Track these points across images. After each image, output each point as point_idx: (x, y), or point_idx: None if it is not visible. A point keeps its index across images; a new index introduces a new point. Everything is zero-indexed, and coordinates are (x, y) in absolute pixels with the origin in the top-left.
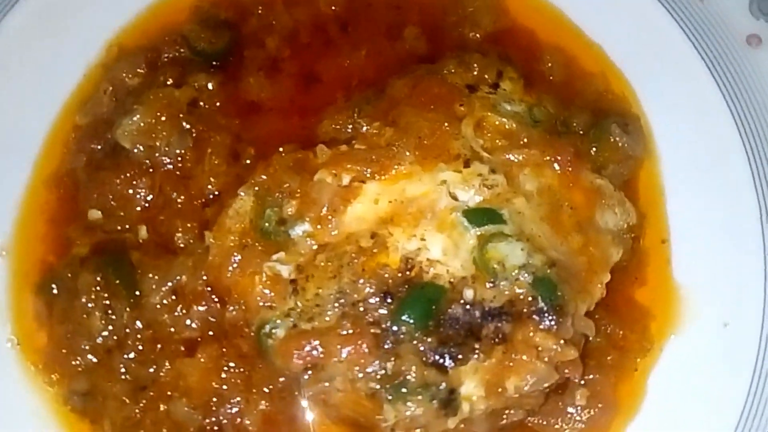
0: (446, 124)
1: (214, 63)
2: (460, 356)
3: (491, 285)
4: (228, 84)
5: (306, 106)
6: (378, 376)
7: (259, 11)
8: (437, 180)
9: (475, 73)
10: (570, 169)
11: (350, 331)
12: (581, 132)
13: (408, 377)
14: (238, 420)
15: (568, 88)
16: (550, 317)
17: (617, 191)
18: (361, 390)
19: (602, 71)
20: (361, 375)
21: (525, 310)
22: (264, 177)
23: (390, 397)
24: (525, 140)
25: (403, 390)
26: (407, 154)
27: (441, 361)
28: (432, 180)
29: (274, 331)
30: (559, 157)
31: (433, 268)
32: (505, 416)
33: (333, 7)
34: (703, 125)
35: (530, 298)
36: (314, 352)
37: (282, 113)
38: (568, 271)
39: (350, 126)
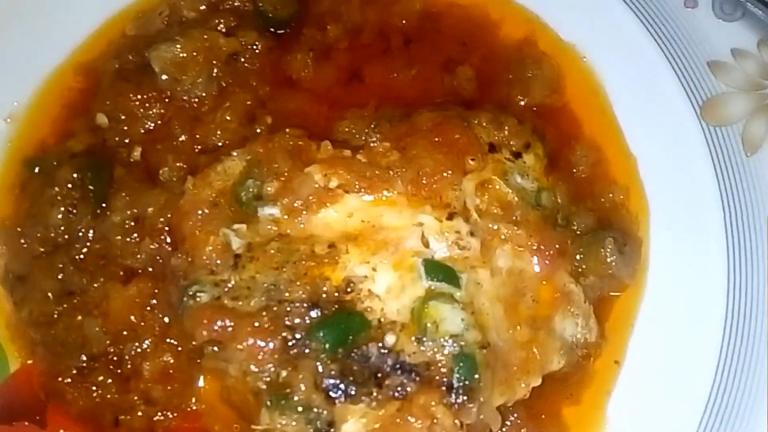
0: (450, 171)
1: (272, 28)
2: (353, 394)
3: (416, 341)
4: (275, 51)
5: (338, 100)
6: (268, 379)
7: None
8: (415, 220)
9: (504, 134)
10: (548, 263)
11: (265, 326)
12: (578, 232)
13: (295, 392)
14: (139, 361)
15: (586, 186)
16: (458, 396)
17: (587, 304)
18: (249, 384)
19: (627, 185)
20: (255, 370)
21: (437, 378)
22: (261, 150)
23: (269, 403)
24: (518, 218)
25: (284, 402)
26: (400, 183)
27: (333, 391)
28: (411, 218)
29: (198, 294)
30: (542, 248)
31: (370, 301)
32: None
33: (404, 21)
34: (701, 277)
35: (446, 369)
36: (221, 331)
37: (313, 98)
38: (498, 359)
39: (364, 135)
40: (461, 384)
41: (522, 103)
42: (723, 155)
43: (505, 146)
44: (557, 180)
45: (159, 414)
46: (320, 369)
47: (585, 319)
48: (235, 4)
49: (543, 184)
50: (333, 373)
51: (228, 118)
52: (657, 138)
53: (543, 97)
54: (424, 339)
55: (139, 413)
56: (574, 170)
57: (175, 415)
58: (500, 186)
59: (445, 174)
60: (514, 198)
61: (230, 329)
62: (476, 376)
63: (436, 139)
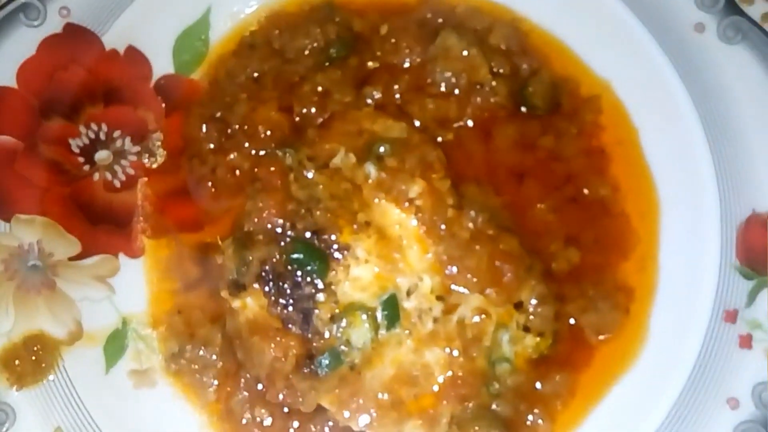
0: (476, 279)
1: (519, 104)
2: (267, 289)
3: (330, 317)
4: (502, 111)
5: (494, 177)
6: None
7: None
8: (423, 274)
9: (536, 311)
10: (448, 392)
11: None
12: (491, 408)
13: (251, 253)
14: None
15: (534, 398)
16: (308, 367)
17: None
18: None
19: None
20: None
21: (312, 345)
22: (414, 141)
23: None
24: (471, 354)
25: (240, 240)
26: (445, 249)
27: (265, 279)
28: (423, 270)
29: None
30: (459, 382)
31: (342, 268)
32: None
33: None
34: None
35: (320, 348)
36: None
37: (487, 160)
38: (350, 385)
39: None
40: (317, 366)
41: (572, 317)
42: None
43: (526, 317)
44: (528, 371)
45: None
46: (275, 259)
47: None
48: (523, 66)
49: (515, 364)
50: (279, 273)
51: (430, 106)
52: None
53: (589, 326)
54: (334, 322)
55: None
56: (540, 385)
57: None
58: (489, 327)
59: (472, 278)
60: (485, 343)
61: None
62: (325, 371)
63: (497, 263)
